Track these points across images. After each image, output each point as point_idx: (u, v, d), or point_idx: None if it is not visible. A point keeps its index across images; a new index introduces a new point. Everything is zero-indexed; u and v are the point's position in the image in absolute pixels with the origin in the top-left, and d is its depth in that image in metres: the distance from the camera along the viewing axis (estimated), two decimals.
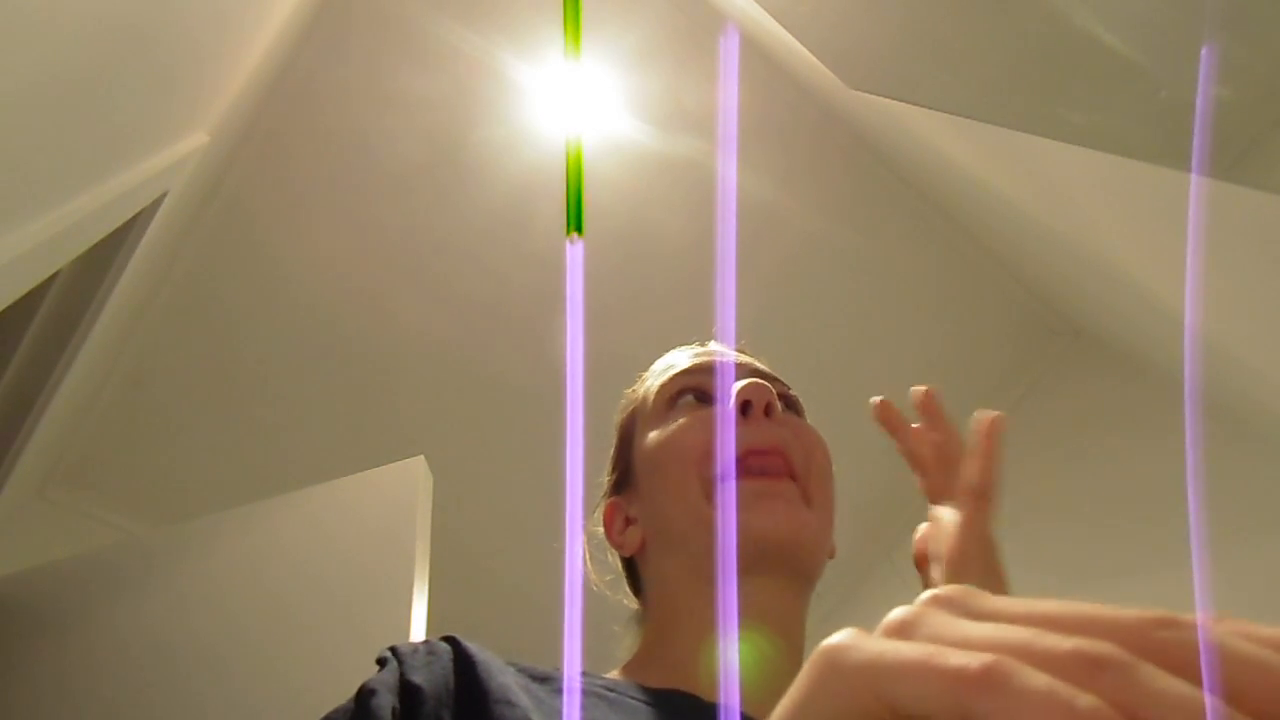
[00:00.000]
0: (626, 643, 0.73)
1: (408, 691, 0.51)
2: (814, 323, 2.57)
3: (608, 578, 0.77)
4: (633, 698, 0.59)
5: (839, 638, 0.23)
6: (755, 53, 2.28)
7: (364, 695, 0.51)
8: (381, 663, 0.55)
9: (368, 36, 2.26)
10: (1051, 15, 1.37)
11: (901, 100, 1.78)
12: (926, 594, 0.25)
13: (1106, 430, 2.37)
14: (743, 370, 0.74)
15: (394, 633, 1.29)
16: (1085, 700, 0.19)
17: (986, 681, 0.20)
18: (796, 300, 2.55)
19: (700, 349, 0.79)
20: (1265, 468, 1.82)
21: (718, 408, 0.69)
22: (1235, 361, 1.69)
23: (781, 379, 0.76)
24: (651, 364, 0.82)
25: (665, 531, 0.68)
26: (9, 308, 1.31)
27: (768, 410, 0.68)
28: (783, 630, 0.63)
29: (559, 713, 0.53)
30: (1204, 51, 1.06)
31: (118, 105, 1.33)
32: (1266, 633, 0.21)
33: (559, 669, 0.59)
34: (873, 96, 1.88)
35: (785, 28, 1.84)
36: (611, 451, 0.79)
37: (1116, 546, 2.12)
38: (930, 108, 1.71)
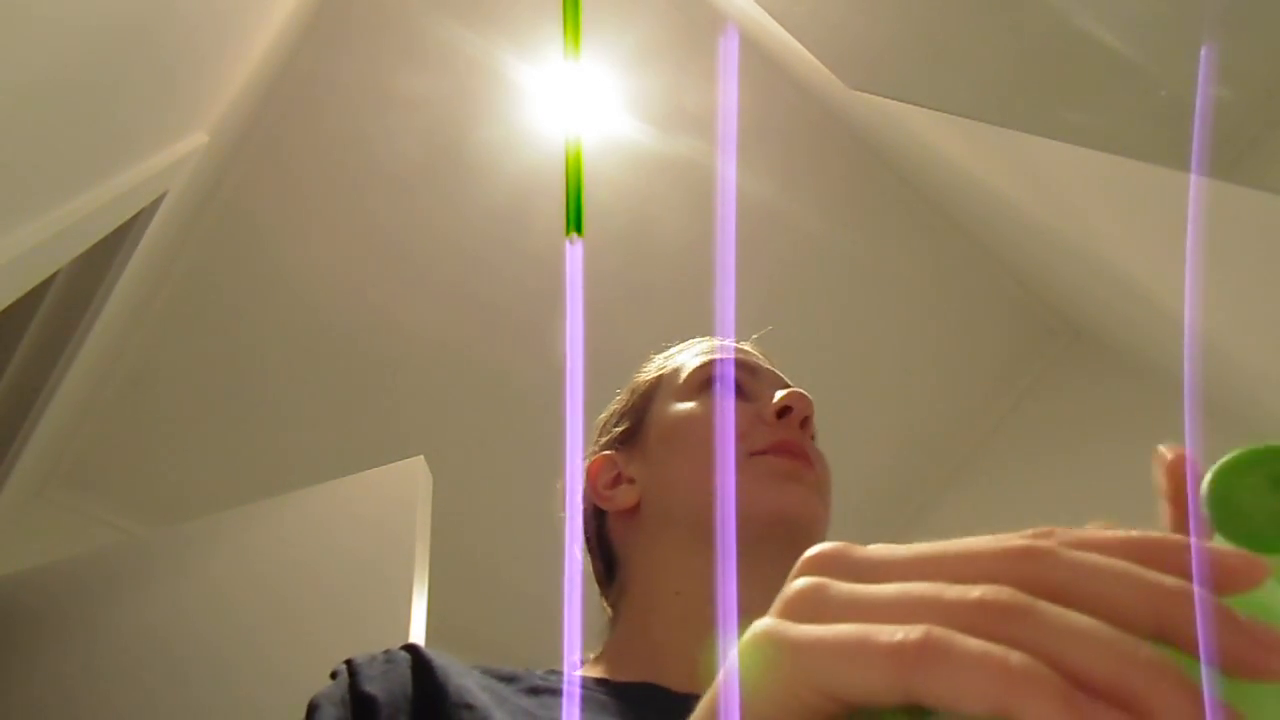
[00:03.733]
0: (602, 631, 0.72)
1: (360, 702, 0.51)
2: (813, 322, 2.57)
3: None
4: (600, 694, 0.58)
5: (758, 629, 0.23)
6: (755, 53, 2.28)
7: (309, 710, 0.51)
8: (334, 676, 0.55)
9: (368, 36, 2.26)
10: (1051, 15, 1.37)
11: (901, 100, 1.78)
12: (802, 559, 0.25)
13: (1106, 430, 2.37)
14: (779, 382, 0.74)
15: (394, 633, 1.29)
16: (1016, 658, 0.20)
17: (925, 655, 0.20)
18: (796, 300, 2.55)
19: (742, 346, 0.79)
20: None
21: (752, 404, 0.70)
22: (1235, 361, 1.69)
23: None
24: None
25: (669, 500, 0.68)
26: (9, 308, 1.31)
27: (804, 423, 0.68)
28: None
29: (524, 710, 0.53)
30: (1203, 51, 1.06)
31: (118, 105, 1.33)
32: (1097, 536, 0.23)
33: (528, 670, 0.59)
34: (872, 96, 1.88)
35: (785, 28, 1.84)
36: (617, 405, 0.78)
37: None
38: (930, 108, 1.71)
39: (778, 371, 0.77)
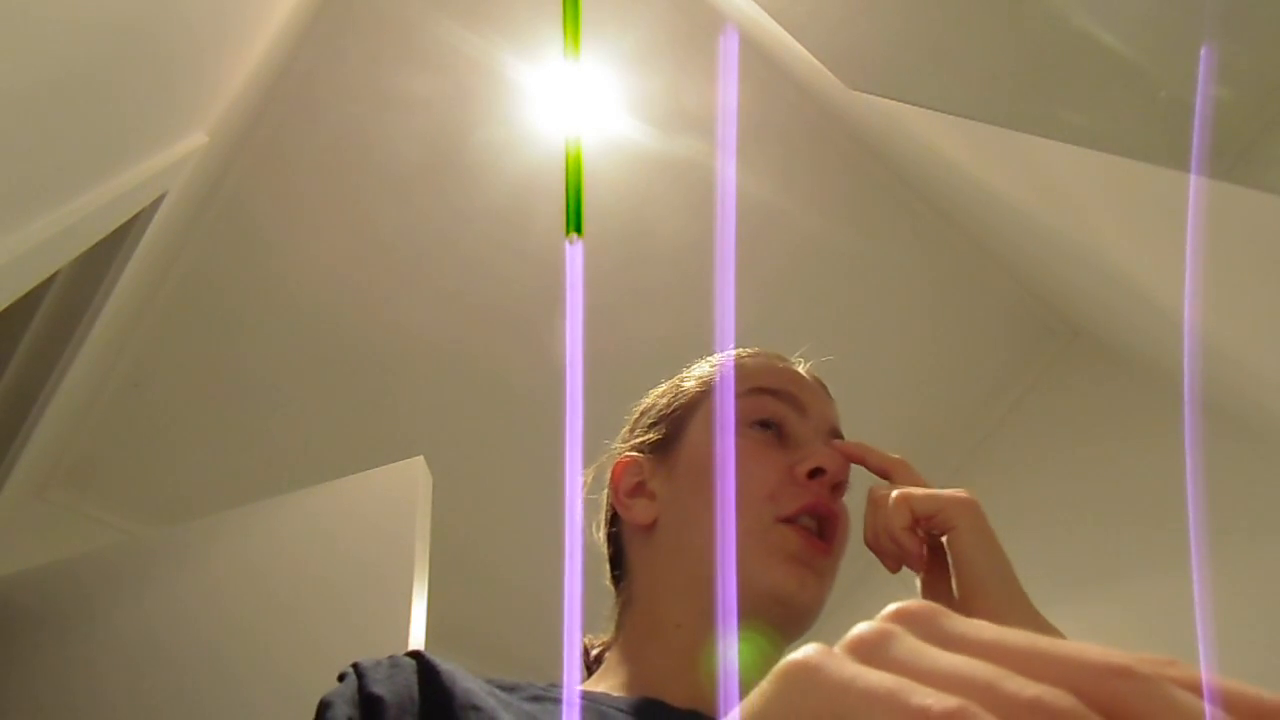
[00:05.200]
0: (606, 634, 0.72)
1: (368, 703, 0.51)
2: (812, 322, 2.57)
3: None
4: (603, 705, 0.59)
5: (807, 654, 0.23)
6: (755, 53, 2.28)
7: (320, 709, 0.52)
8: (341, 678, 0.55)
9: (368, 36, 2.26)
10: (1051, 15, 1.37)
11: (901, 100, 1.78)
12: (891, 608, 0.24)
13: (1105, 430, 2.37)
14: (826, 427, 0.72)
15: (394, 633, 1.29)
16: None
17: None
18: (795, 300, 2.55)
19: (776, 356, 0.76)
20: (1265, 468, 1.82)
21: (789, 454, 0.68)
22: (1234, 361, 1.69)
23: (840, 430, 0.75)
24: (661, 362, 0.80)
25: (684, 537, 0.67)
26: (9, 308, 1.31)
27: (836, 487, 0.67)
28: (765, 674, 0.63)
29: (527, 715, 0.54)
30: (1203, 51, 1.06)
31: (118, 105, 1.33)
32: (1215, 683, 0.21)
33: (529, 681, 0.60)
34: (872, 97, 1.88)
35: (785, 28, 1.84)
36: (657, 402, 0.76)
37: (1115, 547, 2.12)
38: (930, 108, 1.71)
39: (829, 406, 0.74)
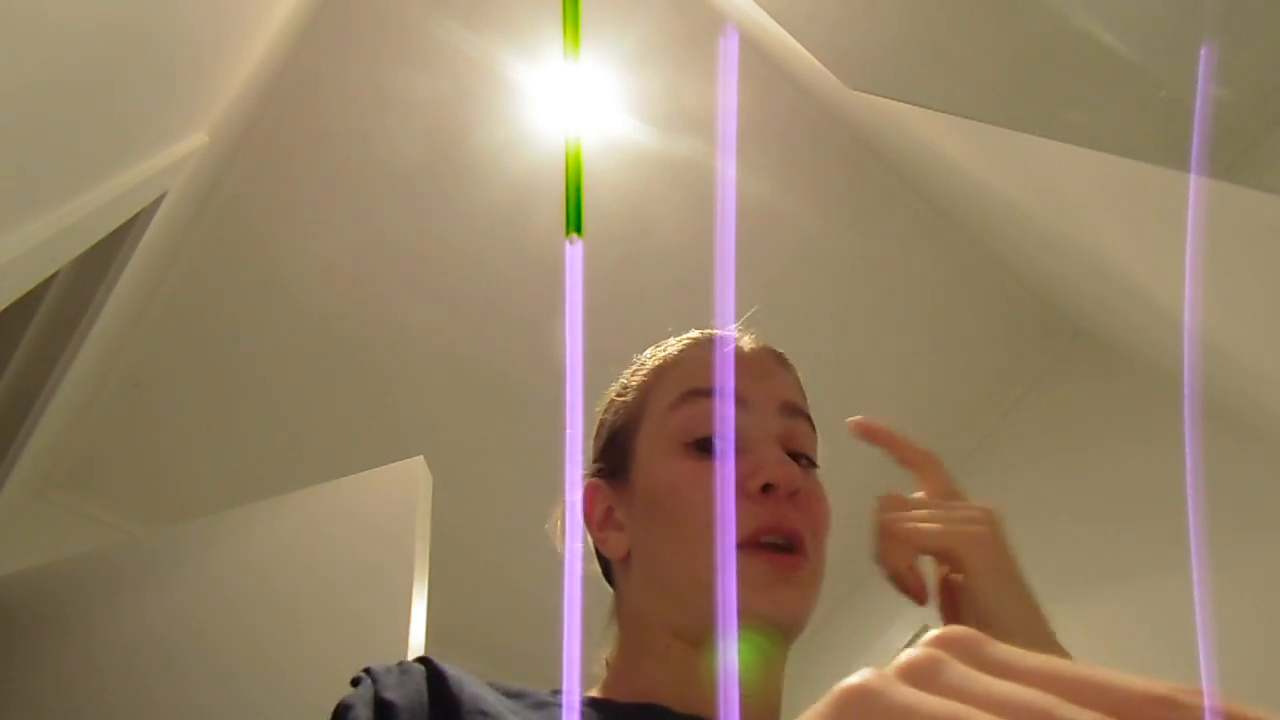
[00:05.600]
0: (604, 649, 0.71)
1: (381, 708, 0.52)
2: (812, 322, 2.57)
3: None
4: (603, 713, 0.59)
5: (865, 679, 0.23)
6: (755, 53, 2.28)
7: (339, 711, 0.53)
8: (356, 682, 0.56)
9: (368, 36, 2.26)
10: (1051, 15, 1.37)
11: (901, 101, 1.78)
12: (935, 634, 0.25)
13: (1105, 430, 2.37)
14: (774, 406, 0.67)
15: (394, 633, 1.29)
16: None
17: None
18: (795, 300, 2.55)
19: (709, 341, 0.71)
20: (1265, 468, 1.82)
21: (727, 465, 0.63)
22: (1234, 361, 1.69)
23: (801, 395, 0.71)
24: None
25: (655, 573, 0.65)
26: (9, 308, 1.31)
27: (793, 494, 0.63)
28: (764, 679, 0.63)
29: None
30: (1203, 51, 1.06)
31: (118, 105, 1.33)
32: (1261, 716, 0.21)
33: (533, 687, 0.60)
34: (872, 97, 1.88)
35: (785, 28, 1.84)
36: (608, 426, 0.72)
37: (1115, 547, 2.12)
38: (930, 108, 1.71)
39: (776, 379, 0.70)
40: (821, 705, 0.24)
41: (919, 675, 0.23)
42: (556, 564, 0.55)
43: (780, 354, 0.73)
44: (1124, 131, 1.35)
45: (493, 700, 0.54)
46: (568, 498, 0.71)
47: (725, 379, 0.67)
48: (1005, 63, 1.52)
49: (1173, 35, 1.24)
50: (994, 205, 2.21)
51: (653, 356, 0.73)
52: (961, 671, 0.23)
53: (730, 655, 0.58)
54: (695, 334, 0.74)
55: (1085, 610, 2.03)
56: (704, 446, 0.64)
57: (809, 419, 0.70)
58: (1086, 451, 2.37)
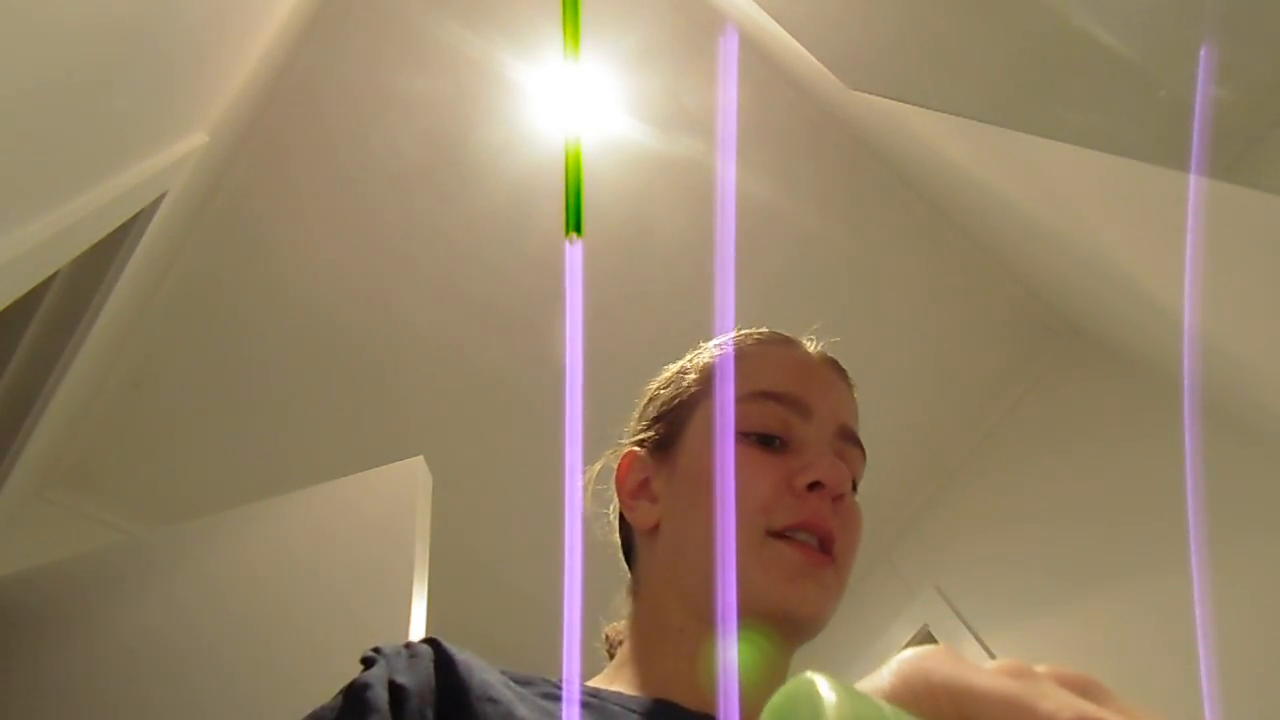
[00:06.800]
0: (618, 624, 0.71)
1: (393, 690, 0.52)
2: (812, 322, 2.57)
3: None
4: (616, 704, 0.59)
5: (925, 650, 0.24)
6: (754, 53, 2.29)
7: (357, 689, 0.52)
8: (368, 662, 0.56)
9: (368, 36, 2.26)
10: (1051, 15, 1.37)
11: (900, 100, 1.78)
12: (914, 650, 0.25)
13: (1105, 430, 2.37)
14: (834, 426, 0.69)
15: (394, 632, 1.29)
16: None
17: None
18: (795, 300, 2.55)
19: (783, 341, 0.73)
20: (1265, 468, 1.82)
21: (789, 460, 0.65)
22: (1234, 361, 1.69)
23: (856, 418, 0.72)
24: (661, 362, 0.77)
25: (683, 548, 0.66)
26: (9, 308, 1.31)
27: (838, 498, 0.65)
28: (770, 678, 0.63)
29: (543, 710, 0.54)
30: (1203, 51, 1.06)
31: (118, 105, 1.33)
32: None
33: (541, 675, 0.60)
34: (872, 96, 1.88)
35: (784, 28, 1.84)
36: (660, 401, 0.73)
37: (1115, 547, 2.12)
38: (929, 108, 1.71)
39: (839, 397, 0.71)
40: (885, 672, 0.24)
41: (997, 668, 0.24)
42: (556, 564, 0.55)
43: (844, 369, 0.76)
44: (1124, 131, 1.35)
45: (502, 687, 0.54)
46: (569, 491, 0.71)
47: (798, 387, 0.69)
48: (1005, 63, 1.52)
49: (1173, 35, 1.24)
50: (994, 205, 2.21)
51: (721, 344, 0.75)
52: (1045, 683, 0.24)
53: (731, 646, 0.58)
54: (765, 330, 0.76)
55: (1086, 609, 2.03)
56: (764, 440, 0.66)
57: (861, 446, 0.71)
58: (1087, 451, 2.37)
